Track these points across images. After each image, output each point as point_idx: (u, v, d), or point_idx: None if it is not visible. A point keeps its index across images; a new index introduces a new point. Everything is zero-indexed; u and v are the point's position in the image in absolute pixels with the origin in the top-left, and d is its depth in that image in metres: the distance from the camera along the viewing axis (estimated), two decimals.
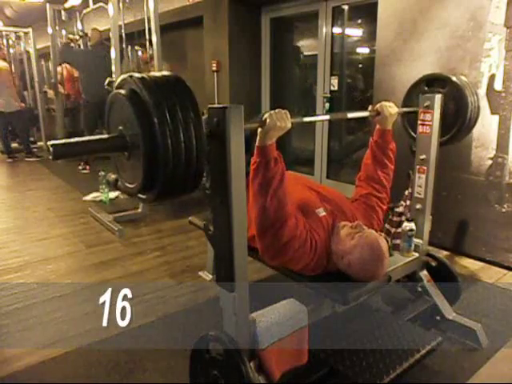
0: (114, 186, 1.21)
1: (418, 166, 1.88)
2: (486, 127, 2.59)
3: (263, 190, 1.33)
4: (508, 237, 2.59)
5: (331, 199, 1.67)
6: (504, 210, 2.59)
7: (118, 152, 1.08)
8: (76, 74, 5.67)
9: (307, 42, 4.90)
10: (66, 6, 5.93)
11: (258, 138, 1.32)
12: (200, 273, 2.55)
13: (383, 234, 2.21)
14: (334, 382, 1.49)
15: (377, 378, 1.42)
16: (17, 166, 6.20)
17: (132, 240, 3.17)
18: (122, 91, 1.02)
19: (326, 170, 4.48)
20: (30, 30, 6.99)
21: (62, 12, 6.02)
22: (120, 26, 4.24)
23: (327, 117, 1.49)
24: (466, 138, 2.66)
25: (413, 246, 1.88)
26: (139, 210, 3.67)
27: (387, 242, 1.58)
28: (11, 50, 7.65)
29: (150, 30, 3.99)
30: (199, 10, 5.12)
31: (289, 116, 1.34)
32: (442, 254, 2.70)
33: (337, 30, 4.21)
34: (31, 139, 6.99)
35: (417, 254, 1.89)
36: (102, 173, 4.10)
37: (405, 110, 1.92)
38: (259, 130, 1.31)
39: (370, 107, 1.74)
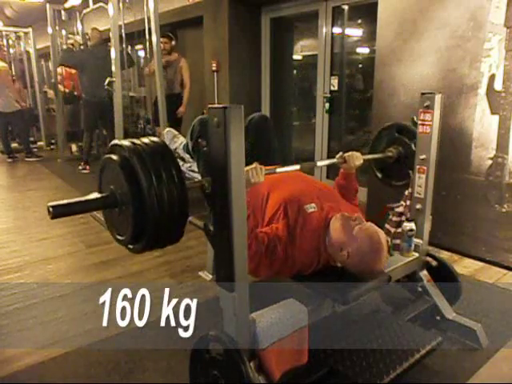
0: None
1: (417, 166, 1.88)
2: (486, 127, 2.59)
3: None
4: (508, 237, 2.59)
5: (329, 196, 1.74)
6: (504, 210, 2.59)
7: (110, 209, 1.19)
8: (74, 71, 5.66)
9: (307, 41, 4.90)
10: (66, 6, 5.94)
11: None
12: (200, 273, 2.55)
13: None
14: (333, 381, 1.49)
15: (377, 378, 1.42)
16: (17, 166, 6.20)
17: None
18: (114, 157, 1.14)
19: (325, 170, 4.48)
20: (30, 30, 7.00)
21: (62, 12, 6.04)
22: (120, 26, 4.25)
23: (297, 166, 1.62)
24: (465, 138, 2.69)
25: (413, 246, 1.88)
26: None
27: (387, 241, 1.58)
28: (11, 50, 7.66)
29: (150, 29, 4.00)
30: (199, 9, 5.12)
31: (264, 171, 1.42)
32: (442, 254, 2.70)
33: (337, 29, 4.21)
34: (31, 139, 6.97)
35: (417, 254, 1.90)
36: None
37: (369, 157, 2.00)
38: None
39: (338, 155, 1.81)
